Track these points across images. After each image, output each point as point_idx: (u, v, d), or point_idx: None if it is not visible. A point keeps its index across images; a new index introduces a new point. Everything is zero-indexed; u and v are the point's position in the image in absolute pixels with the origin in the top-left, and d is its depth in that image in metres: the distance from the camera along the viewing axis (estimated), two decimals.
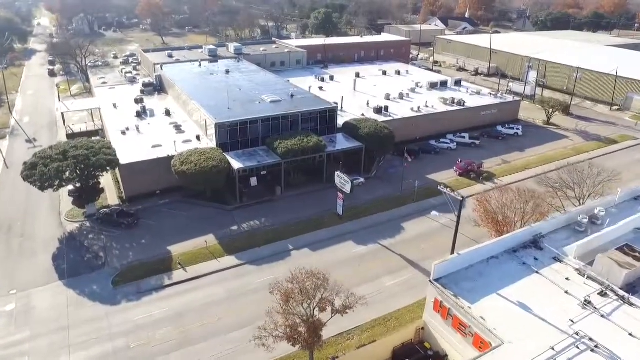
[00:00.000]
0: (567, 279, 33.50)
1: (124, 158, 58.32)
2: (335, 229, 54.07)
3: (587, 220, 39.96)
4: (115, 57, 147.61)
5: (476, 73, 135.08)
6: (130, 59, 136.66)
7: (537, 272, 34.41)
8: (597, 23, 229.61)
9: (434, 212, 41.90)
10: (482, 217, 42.55)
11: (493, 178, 67.89)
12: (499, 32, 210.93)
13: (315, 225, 54.56)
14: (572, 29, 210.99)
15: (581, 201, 48.66)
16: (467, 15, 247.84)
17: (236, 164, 57.85)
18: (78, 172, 52.95)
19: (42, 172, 50.75)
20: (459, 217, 39.54)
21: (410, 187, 61.93)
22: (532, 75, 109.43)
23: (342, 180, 52.78)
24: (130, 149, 61.48)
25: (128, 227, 53.72)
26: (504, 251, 36.79)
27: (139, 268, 46.91)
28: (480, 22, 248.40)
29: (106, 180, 62.55)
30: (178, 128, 68.93)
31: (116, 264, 47.67)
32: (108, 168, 55.66)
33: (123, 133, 67.08)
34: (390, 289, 44.86)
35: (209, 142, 63.55)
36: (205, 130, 65.28)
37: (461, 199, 38.20)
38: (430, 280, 33.57)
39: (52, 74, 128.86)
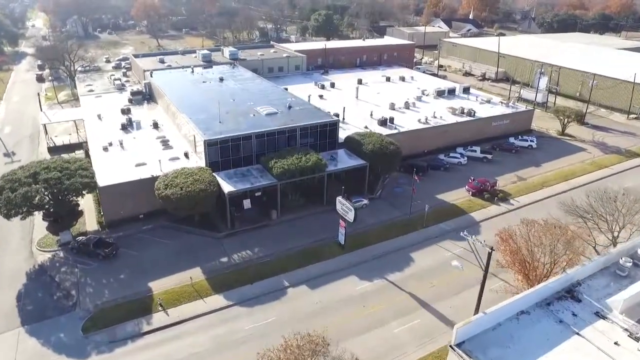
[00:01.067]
0: (616, 343, 27.91)
1: (103, 179, 52.84)
2: (337, 260, 48.46)
3: (630, 263, 34.42)
4: (108, 61, 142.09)
5: (483, 78, 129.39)
6: (123, 63, 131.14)
7: (577, 334, 28.84)
8: (604, 24, 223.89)
9: (454, 263, 36.29)
10: (507, 259, 36.74)
11: (508, 198, 62.25)
12: (504, 34, 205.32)
13: (314, 256, 48.94)
14: (578, 31, 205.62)
15: (615, 234, 43.08)
16: (471, 17, 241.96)
17: (227, 187, 52.25)
18: (49, 197, 47.46)
19: (7, 198, 45.19)
20: (486, 271, 33.68)
21: (419, 208, 56.38)
22: (543, 82, 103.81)
23: (344, 207, 47.23)
24: (112, 168, 56.02)
25: (106, 258, 48.13)
26: (535, 304, 31.26)
27: (114, 310, 41.32)
28: (484, 24, 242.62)
29: (87, 201, 57.01)
30: (165, 143, 63.38)
31: (89, 305, 42.07)
32: (84, 192, 50.02)
33: (105, 149, 61.58)
34: (400, 336, 39.22)
35: (198, 159, 58.00)
36: (195, 147, 59.77)
37: (490, 250, 32.44)
38: (450, 346, 27.99)
39: (40, 79, 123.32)
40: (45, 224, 54.02)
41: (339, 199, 47.85)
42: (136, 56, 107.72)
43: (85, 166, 52.09)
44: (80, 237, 50.61)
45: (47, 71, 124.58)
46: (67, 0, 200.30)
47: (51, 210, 50.06)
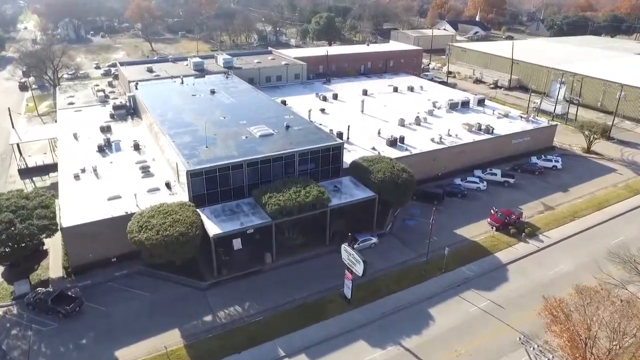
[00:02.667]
0: None
1: (68, 218, 44.98)
2: (342, 319, 40.67)
3: None
4: (98, 67, 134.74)
5: (495, 86, 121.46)
6: (113, 70, 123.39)
7: None
8: (616, 27, 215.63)
9: None
10: (563, 345, 28.81)
11: (537, 233, 54.41)
12: (512, 37, 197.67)
13: (315, 313, 41.16)
14: (589, 33, 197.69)
15: None
16: (477, 19, 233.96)
17: (213, 228, 44.41)
18: None
19: None
20: None
21: (436, 247, 48.72)
22: (562, 91, 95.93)
23: (351, 257, 39.47)
24: (81, 202, 48.14)
25: (67, 316, 40.37)
26: None
27: None
28: (490, 26, 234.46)
29: (55, 239, 48.89)
30: (145, 170, 55.61)
31: None
32: (42, 236, 42.41)
33: (76, 177, 53.77)
34: None
35: (182, 191, 50.30)
36: (177, 175, 52.07)
37: None
38: None
39: (23, 87, 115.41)
40: (2, 268, 46.72)
41: (345, 247, 40.10)
42: (122, 64, 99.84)
43: (46, 203, 44.68)
44: (39, 289, 42.78)
45: (31, 79, 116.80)
46: (59, 2, 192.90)
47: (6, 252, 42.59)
